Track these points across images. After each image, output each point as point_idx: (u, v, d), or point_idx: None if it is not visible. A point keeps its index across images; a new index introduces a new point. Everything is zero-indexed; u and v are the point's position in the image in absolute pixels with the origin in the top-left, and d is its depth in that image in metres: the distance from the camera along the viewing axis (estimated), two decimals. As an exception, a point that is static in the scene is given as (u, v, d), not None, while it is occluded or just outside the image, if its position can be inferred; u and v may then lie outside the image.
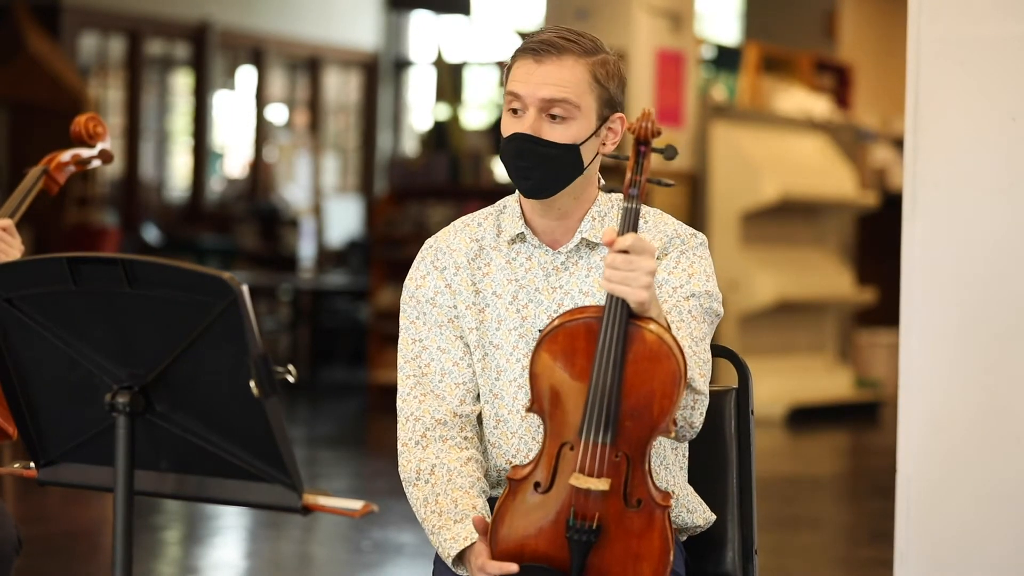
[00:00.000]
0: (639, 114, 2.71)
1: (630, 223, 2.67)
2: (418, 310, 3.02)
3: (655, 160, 2.71)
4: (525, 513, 2.78)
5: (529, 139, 2.88)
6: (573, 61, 2.88)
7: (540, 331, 2.92)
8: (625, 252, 2.63)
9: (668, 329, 2.71)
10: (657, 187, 2.76)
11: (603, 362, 2.68)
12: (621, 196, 3.03)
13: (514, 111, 2.91)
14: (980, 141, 3.71)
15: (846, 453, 11.12)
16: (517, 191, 3.00)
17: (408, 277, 3.05)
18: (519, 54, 2.91)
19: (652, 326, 2.68)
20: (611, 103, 2.93)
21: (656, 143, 2.69)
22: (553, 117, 2.88)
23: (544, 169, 2.88)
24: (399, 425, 2.99)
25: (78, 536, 7.10)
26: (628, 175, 2.68)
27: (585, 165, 2.92)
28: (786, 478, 9.12)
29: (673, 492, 2.95)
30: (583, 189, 2.96)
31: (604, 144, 2.95)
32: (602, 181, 3.03)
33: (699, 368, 2.83)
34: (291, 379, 2.40)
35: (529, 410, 2.78)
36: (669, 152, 2.70)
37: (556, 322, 2.75)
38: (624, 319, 2.66)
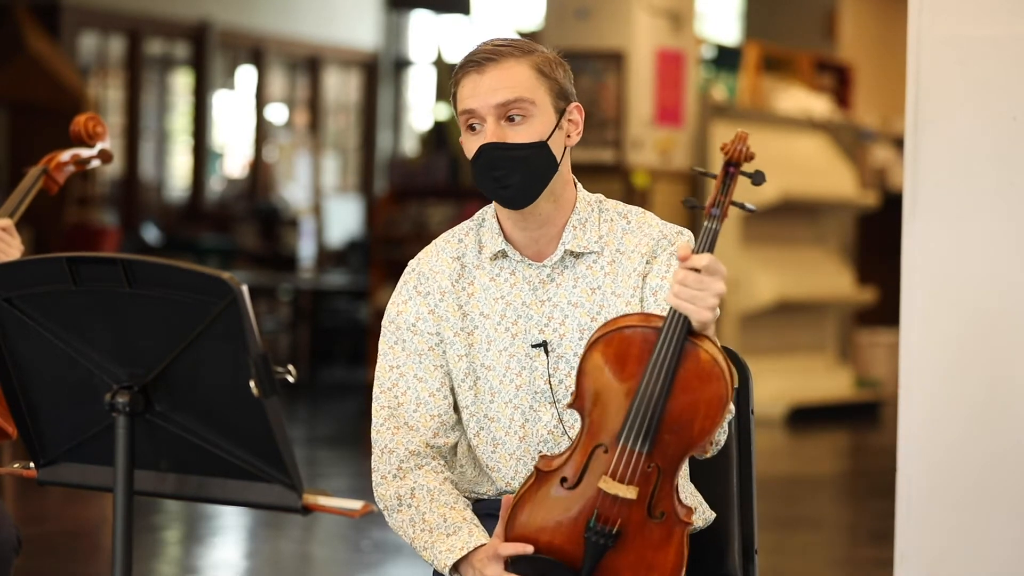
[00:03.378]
0: (734, 136, 2.71)
1: (708, 242, 2.66)
2: (397, 336, 2.99)
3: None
4: (548, 505, 2.78)
5: (497, 146, 2.87)
6: (514, 62, 2.89)
7: (536, 340, 2.93)
8: (697, 271, 2.63)
9: (722, 350, 2.71)
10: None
11: (654, 373, 2.67)
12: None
13: (472, 128, 2.90)
14: (980, 141, 3.71)
15: (846, 453, 11.11)
16: (495, 203, 2.98)
17: (391, 302, 3.02)
18: (461, 74, 2.91)
19: (708, 345, 2.67)
20: (563, 94, 2.93)
21: (744, 167, 2.70)
22: (511, 120, 2.87)
23: (521, 173, 2.87)
24: (374, 456, 2.97)
25: (78, 536, 7.10)
26: (713, 194, 2.68)
27: (558, 161, 2.91)
28: (786, 478, 9.11)
29: (694, 508, 2.95)
30: (561, 191, 2.95)
31: (569, 136, 2.95)
32: (579, 185, 3.01)
33: None
34: (291, 379, 2.39)
35: (571, 406, 2.77)
36: (758, 178, 2.70)
37: (613, 325, 2.73)
38: (683, 335, 2.66)
